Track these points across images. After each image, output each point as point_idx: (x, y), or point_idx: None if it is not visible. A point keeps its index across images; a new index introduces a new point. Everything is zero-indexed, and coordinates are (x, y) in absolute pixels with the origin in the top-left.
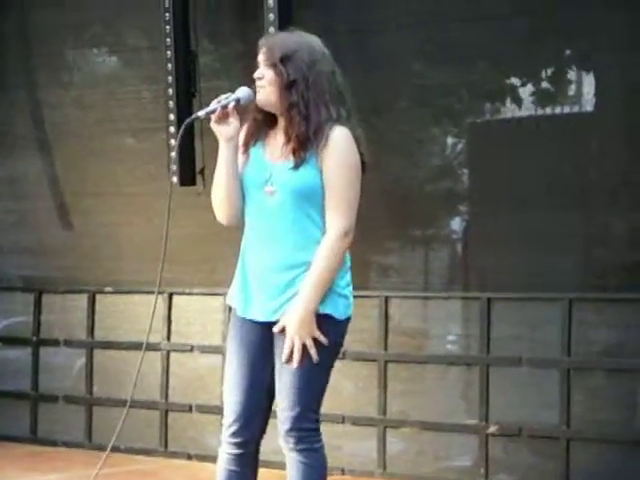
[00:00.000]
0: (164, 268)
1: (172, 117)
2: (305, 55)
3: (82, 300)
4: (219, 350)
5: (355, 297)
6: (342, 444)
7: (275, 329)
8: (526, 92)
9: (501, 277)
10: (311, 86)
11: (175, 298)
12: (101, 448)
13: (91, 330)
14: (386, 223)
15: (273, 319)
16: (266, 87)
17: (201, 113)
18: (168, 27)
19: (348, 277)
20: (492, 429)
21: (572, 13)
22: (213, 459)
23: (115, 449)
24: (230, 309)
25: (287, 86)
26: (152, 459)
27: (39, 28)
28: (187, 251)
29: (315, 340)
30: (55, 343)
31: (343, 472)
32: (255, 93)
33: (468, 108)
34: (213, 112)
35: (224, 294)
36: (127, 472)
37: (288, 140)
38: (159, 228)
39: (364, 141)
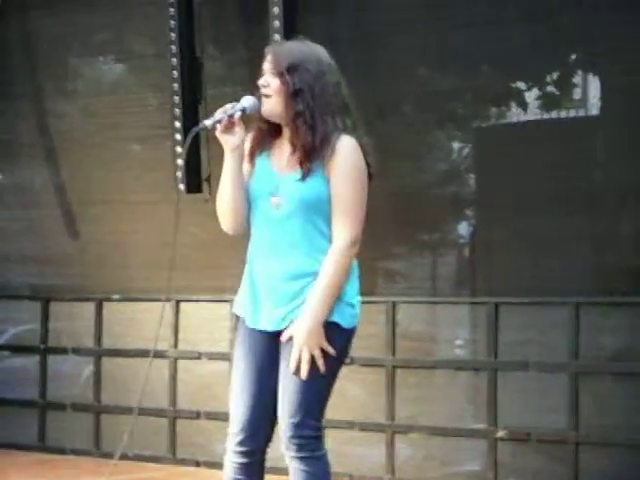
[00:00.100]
0: (171, 275)
1: (178, 124)
2: (311, 65)
3: (89, 308)
4: (226, 357)
5: (362, 303)
6: (350, 450)
7: (283, 337)
8: (532, 96)
9: (508, 282)
10: (317, 96)
11: (182, 305)
12: (109, 456)
13: (99, 338)
14: (393, 228)
15: (281, 327)
16: (271, 96)
17: (208, 123)
18: (173, 34)
19: (356, 285)
20: (500, 434)
21: (577, 17)
22: (221, 466)
23: (123, 456)
24: (237, 317)
25: (293, 95)
26: (160, 466)
27: (44, 37)
28: (194, 258)
29: (322, 350)
30: (63, 351)
31: (351, 478)
32: (260, 101)
33: (474, 113)
34: (220, 122)
35: (231, 301)
36: (135, 479)
37: (294, 150)
38: (166, 235)
39: (371, 150)
